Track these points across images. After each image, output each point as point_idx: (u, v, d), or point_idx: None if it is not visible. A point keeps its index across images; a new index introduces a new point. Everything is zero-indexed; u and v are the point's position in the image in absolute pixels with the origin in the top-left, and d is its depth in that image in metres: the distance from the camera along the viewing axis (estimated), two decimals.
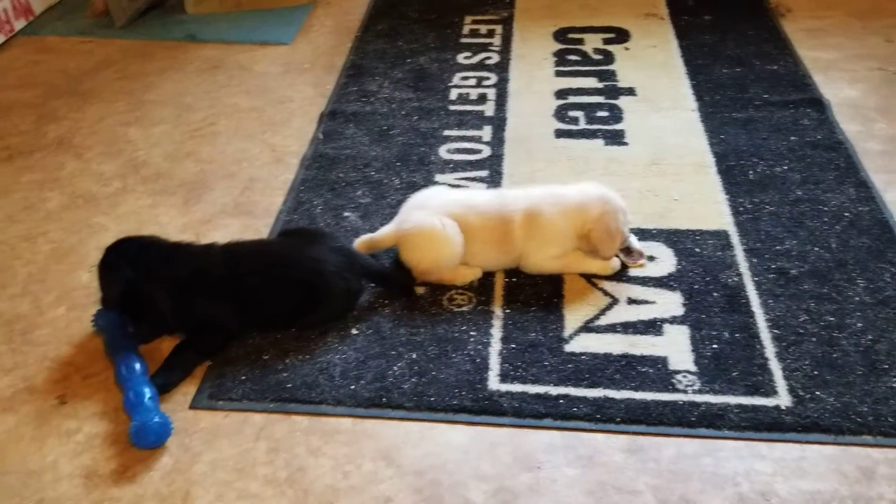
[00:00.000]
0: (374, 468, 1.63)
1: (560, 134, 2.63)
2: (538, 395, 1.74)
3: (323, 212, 2.31)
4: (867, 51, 3.04)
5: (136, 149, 2.67)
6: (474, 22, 3.37)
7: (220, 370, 1.84)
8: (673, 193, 2.33)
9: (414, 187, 2.35)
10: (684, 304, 1.95)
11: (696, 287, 2.00)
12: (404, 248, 2.02)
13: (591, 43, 3.16)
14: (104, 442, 1.71)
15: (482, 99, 2.83)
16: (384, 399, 1.75)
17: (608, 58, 3.06)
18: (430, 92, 2.88)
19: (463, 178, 2.42)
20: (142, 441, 1.66)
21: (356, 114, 2.77)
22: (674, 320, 1.91)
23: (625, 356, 1.83)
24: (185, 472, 1.64)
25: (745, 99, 2.75)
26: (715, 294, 1.98)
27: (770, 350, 1.82)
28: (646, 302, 1.97)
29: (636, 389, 1.75)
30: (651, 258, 2.09)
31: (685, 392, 1.74)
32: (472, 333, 1.90)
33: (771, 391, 1.73)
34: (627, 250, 2.07)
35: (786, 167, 2.41)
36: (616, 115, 2.71)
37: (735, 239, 2.14)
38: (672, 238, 2.15)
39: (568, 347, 1.85)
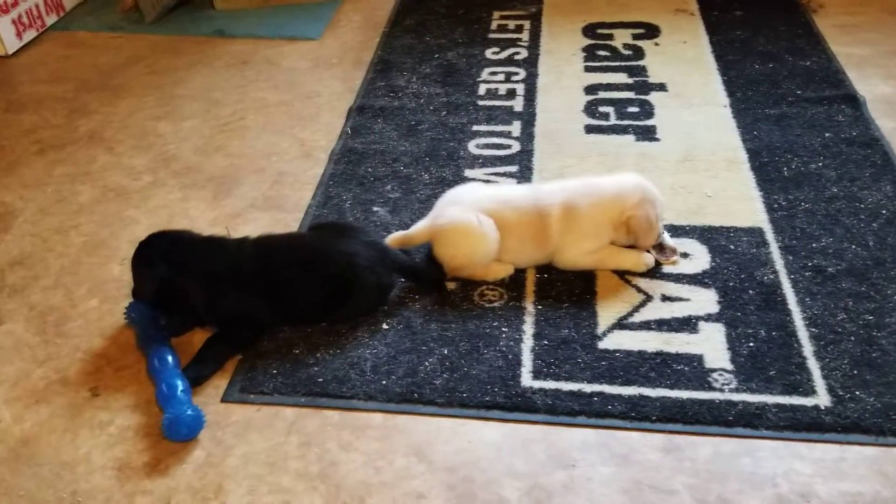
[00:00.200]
0: (406, 464, 1.62)
1: (590, 129, 2.60)
2: (572, 393, 1.73)
3: (352, 206, 2.30)
4: None
5: (165, 143, 2.68)
6: (502, 17, 3.36)
7: (251, 364, 1.84)
8: (706, 190, 2.30)
9: (443, 182, 2.34)
10: (719, 302, 1.92)
11: (731, 284, 1.97)
12: (438, 243, 2.00)
13: (621, 38, 3.13)
14: (136, 434, 1.71)
15: (511, 94, 2.81)
16: (415, 394, 1.74)
17: (638, 53, 3.03)
18: (458, 87, 2.87)
19: (492, 174, 2.40)
20: (174, 434, 1.66)
21: (384, 109, 2.76)
22: (709, 318, 1.88)
23: (659, 354, 1.80)
24: (218, 465, 1.64)
25: (778, 95, 2.71)
26: (750, 292, 1.95)
27: (808, 349, 1.79)
28: (680, 299, 1.94)
29: (671, 387, 1.72)
30: (685, 255, 2.06)
31: (722, 391, 1.71)
32: (503, 329, 1.88)
33: (809, 391, 1.70)
34: (660, 247, 2.04)
35: (820, 164, 2.37)
36: (647, 110, 2.68)
37: (770, 236, 2.11)
38: (706, 235, 2.13)
39: (601, 344, 1.83)
